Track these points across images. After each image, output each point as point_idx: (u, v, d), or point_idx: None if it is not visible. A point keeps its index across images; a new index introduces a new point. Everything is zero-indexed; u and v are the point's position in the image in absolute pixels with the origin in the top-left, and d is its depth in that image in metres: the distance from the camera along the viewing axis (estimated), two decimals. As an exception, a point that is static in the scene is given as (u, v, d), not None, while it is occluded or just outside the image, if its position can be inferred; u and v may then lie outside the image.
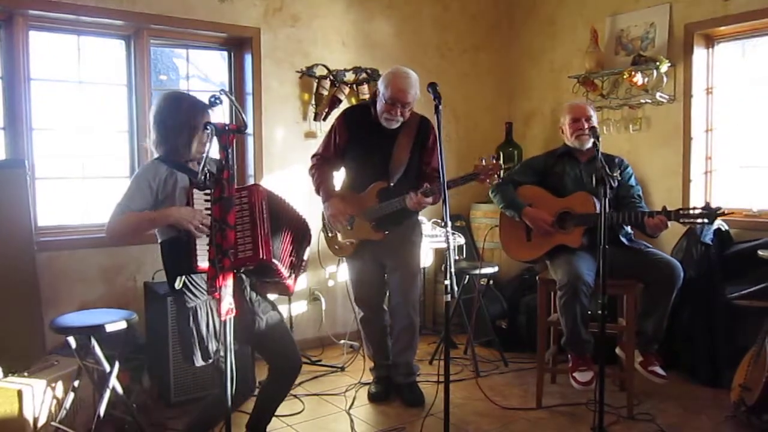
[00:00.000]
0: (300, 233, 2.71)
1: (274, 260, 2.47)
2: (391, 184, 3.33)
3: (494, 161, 3.14)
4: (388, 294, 3.59)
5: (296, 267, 2.68)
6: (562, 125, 3.57)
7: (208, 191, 2.40)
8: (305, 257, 2.74)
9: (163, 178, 2.44)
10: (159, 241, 2.51)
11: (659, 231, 3.13)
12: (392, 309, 3.51)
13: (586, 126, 3.44)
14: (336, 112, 4.46)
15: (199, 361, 2.47)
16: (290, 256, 2.62)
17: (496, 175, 3.16)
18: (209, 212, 2.33)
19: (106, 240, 2.43)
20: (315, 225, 4.43)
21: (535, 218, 3.41)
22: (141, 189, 2.43)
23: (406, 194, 3.20)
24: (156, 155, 2.54)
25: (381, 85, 3.30)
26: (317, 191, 3.49)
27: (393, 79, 3.24)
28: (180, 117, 2.48)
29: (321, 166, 3.50)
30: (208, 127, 2.30)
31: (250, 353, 3.15)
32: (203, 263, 2.35)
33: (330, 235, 3.52)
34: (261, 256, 2.40)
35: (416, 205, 3.21)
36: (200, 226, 2.36)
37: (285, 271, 2.57)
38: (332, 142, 3.47)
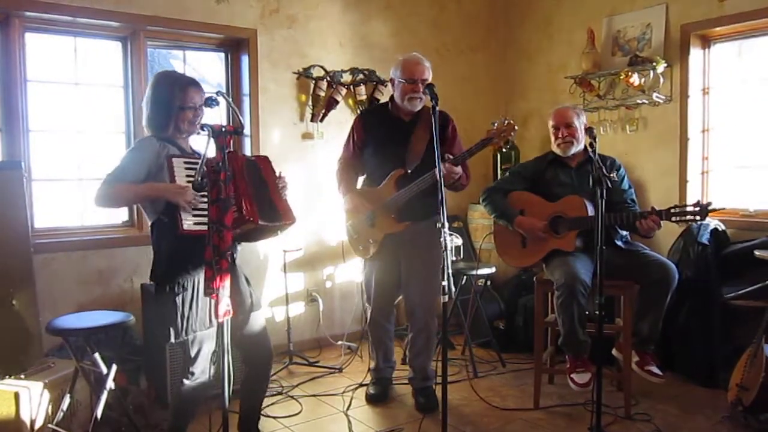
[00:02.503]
0: (271, 175, 2.69)
1: (260, 221, 2.46)
2: (409, 171, 3.28)
3: (506, 122, 3.08)
4: (400, 296, 3.56)
5: (284, 203, 2.67)
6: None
7: (190, 161, 2.45)
8: (285, 184, 2.73)
9: (155, 151, 2.49)
10: (150, 223, 2.56)
11: (652, 232, 3.14)
12: (409, 312, 3.48)
13: (565, 134, 3.43)
14: (333, 113, 4.48)
15: (173, 337, 2.48)
16: (277, 205, 2.62)
17: (510, 136, 3.11)
18: (190, 180, 2.35)
19: (93, 205, 2.51)
20: (314, 229, 4.46)
21: (527, 226, 3.42)
22: (134, 162, 2.48)
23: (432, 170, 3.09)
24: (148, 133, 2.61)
25: (394, 71, 3.32)
26: (338, 190, 3.50)
27: (404, 60, 3.30)
28: (162, 94, 2.55)
29: (344, 168, 3.52)
30: (190, 107, 2.46)
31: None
32: (188, 226, 2.39)
33: (355, 237, 3.47)
34: (248, 218, 2.41)
35: (447, 174, 3.08)
36: (191, 201, 2.39)
37: (273, 224, 2.57)
38: (351, 142, 3.49)
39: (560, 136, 3.46)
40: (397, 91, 3.32)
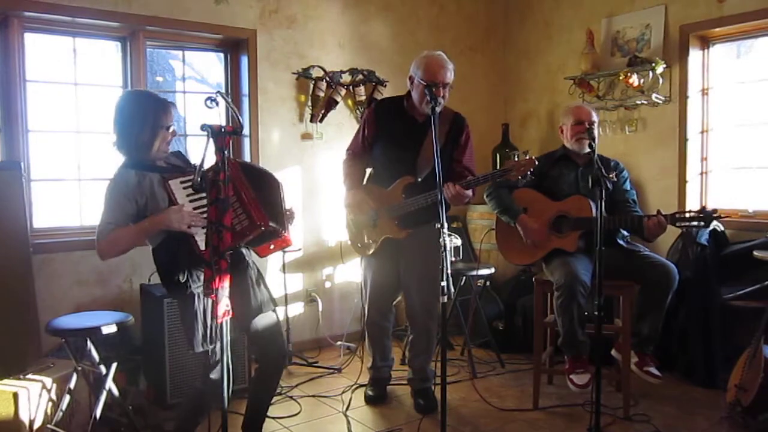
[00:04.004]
0: (277, 187, 2.68)
1: (270, 224, 2.46)
2: (419, 180, 3.21)
3: (527, 158, 2.99)
4: (400, 296, 3.55)
5: (287, 218, 2.66)
6: (563, 126, 3.54)
7: (185, 179, 2.41)
8: (288, 206, 2.71)
9: (135, 184, 2.42)
10: (151, 248, 2.51)
11: (657, 234, 3.14)
12: (409, 313, 3.46)
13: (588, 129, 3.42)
14: (332, 114, 4.48)
15: (199, 347, 2.47)
16: (279, 212, 2.62)
17: (528, 172, 2.99)
18: (191, 198, 2.34)
19: (100, 258, 2.46)
20: (313, 229, 4.46)
21: (529, 228, 3.41)
22: (119, 202, 2.41)
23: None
24: (121, 158, 2.52)
25: (415, 69, 3.15)
26: (343, 183, 3.42)
27: (427, 59, 3.13)
28: (140, 115, 2.46)
29: (352, 160, 3.44)
30: (170, 126, 2.42)
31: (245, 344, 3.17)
32: (204, 245, 2.34)
33: (354, 232, 3.42)
34: (258, 224, 2.40)
35: (454, 196, 3.07)
36: (192, 223, 2.36)
37: (282, 229, 2.57)
38: (361, 136, 3.39)
39: (583, 131, 3.40)
40: (416, 91, 3.16)
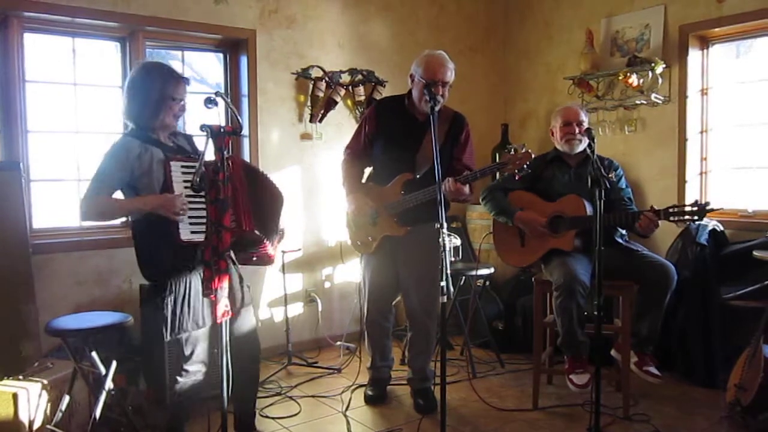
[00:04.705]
0: (277, 200, 2.68)
1: (256, 231, 2.46)
2: (417, 176, 3.22)
3: (524, 151, 3.00)
4: (399, 296, 3.54)
5: (276, 234, 2.66)
6: (553, 128, 3.57)
7: (187, 164, 2.40)
8: (282, 225, 2.71)
9: (137, 154, 2.43)
10: (132, 219, 2.52)
11: (650, 230, 3.14)
12: (408, 314, 3.46)
13: (577, 130, 3.44)
14: (332, 114, 4.48)
15: (168, 335, 2.47)
16: (270, 223, 2.61)
17: (525, 165, 2.98)
18: (187, 185, 2.32)
19: (79, 218, 2.48)
20: (312, 229, 4.46)
21: (528, 220, 3.41)
22: (115, 167, 2.42)
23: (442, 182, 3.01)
24: (128, 126, 2.54)
25: (416, 67, 3.18)
26: (343, 184, 3.42)
27: (428, 57, 3.16)
28: (148, 84, 2.48)
29: (351, 160, 3.44)
30: (179, 100, 2.43)
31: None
32: (186, 235, 2.37)
33: (354, 230, 3.43)
34: (244, 227, 2.40)
35: (453, 192, 3.06)
36: (179, 212, 2.36)
37: (268, 241, 2.56)
38: (362, 133, 3.40)
39: (572, 132, 3.44)
40: (416, 89, 3.18)
